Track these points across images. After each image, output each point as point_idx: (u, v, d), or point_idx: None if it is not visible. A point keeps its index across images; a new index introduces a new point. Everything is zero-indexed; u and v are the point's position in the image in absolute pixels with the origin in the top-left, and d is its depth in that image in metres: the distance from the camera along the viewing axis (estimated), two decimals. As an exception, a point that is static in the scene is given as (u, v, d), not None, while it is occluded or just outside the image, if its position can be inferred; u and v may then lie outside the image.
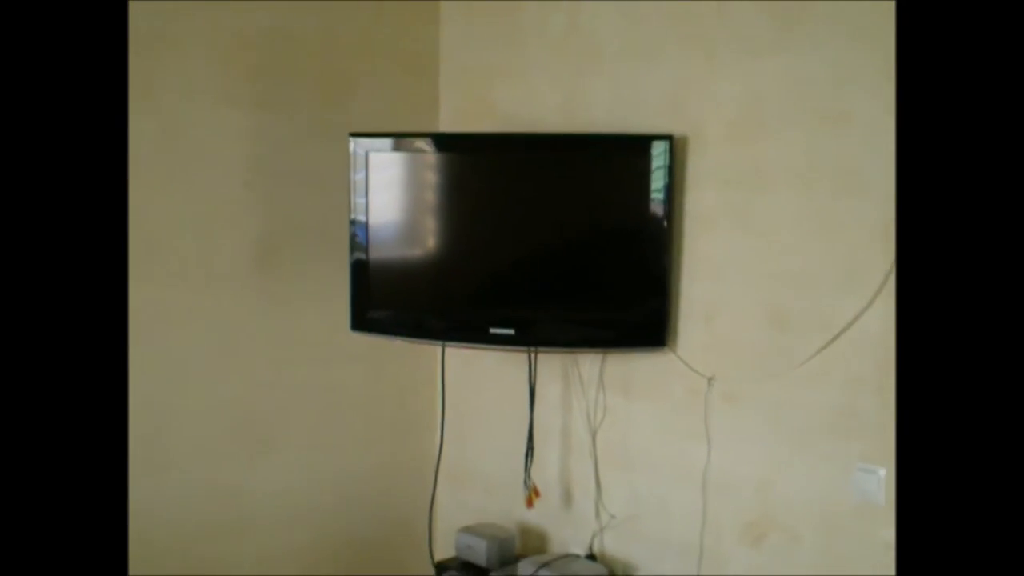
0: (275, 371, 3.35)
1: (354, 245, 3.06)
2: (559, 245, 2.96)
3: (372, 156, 3.02)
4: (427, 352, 3.67)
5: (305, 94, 3.31)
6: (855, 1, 2.44)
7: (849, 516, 2.51)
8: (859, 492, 2.48)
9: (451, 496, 3.56)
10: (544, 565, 2.98)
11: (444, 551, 3.41)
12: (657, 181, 2.80)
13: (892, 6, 2.29)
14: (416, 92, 3.58)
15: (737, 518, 2.78)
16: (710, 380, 2.80)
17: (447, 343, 3.21)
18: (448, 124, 3.56)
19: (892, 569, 2.37)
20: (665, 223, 2.80)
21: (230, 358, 3.25)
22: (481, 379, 3.47)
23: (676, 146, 2.81)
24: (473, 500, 3.53)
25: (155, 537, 3.15)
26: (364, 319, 3.06)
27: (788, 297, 2.62)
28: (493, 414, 3.45)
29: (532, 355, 3.16)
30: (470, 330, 3.00)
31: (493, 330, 2.93)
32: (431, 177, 3.06)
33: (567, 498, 3.24)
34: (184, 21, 3.04)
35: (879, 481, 2.43)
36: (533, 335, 2.96)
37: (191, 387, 3.19)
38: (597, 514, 3.12)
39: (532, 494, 3.21)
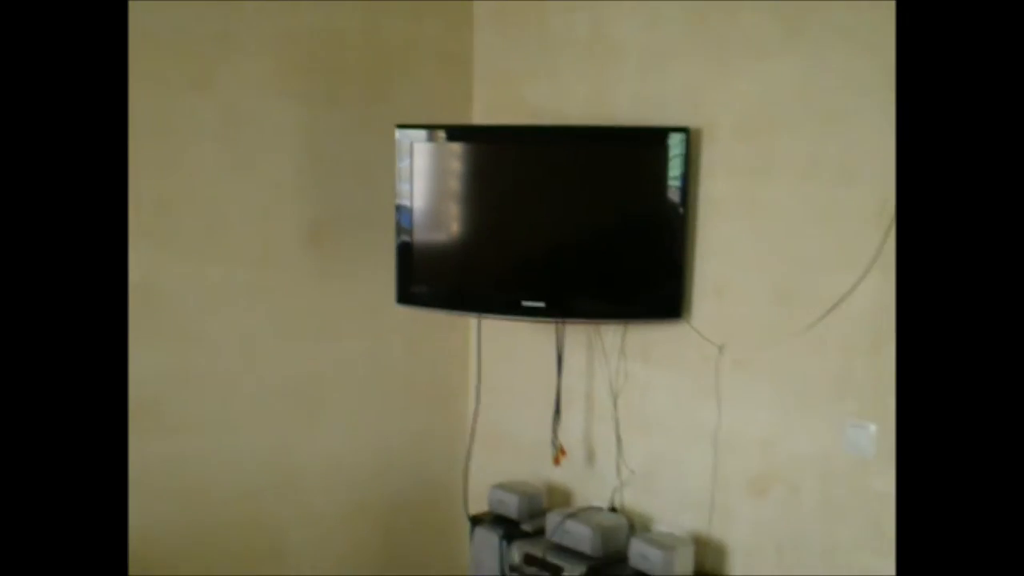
0: (325, 343, 3.68)
1: (399, 226, 3.37)
2: (585, 227, 3.27)
3: (416, 146, 3.33)
4: (460, 326, 4.00)
5: (351, 89, 3.63)
6: (856, 12, 2.73)
7: (843, 468, 2.82)
8: (852, 447, 2.78)
9: (484, 457, 3.88)
10: (570, 516, 3.29)
11: (477, 507, 3.73)
12: (674, 170, 3.10)
13: (890, 17, 2.60)
14: (451, 88, 3.90)
15: (744, 473, 3.09)
16: (721, 348, 3.11)
17: (483, 315, 3.52)
18: (481, 118, 3.88)
19: (882, 515, 2.69)
20: (681, 208, 3.11)
21: (286, 331, 3.58)
22: (512, 350, 3.80)
23: (692, 138, 3.11)
24: (504, 461, 3.86)
25: (220, 493, 3.49)
26: (408, 293, 3.38)
27: (790, 274, 2.92)
28: (523, 381, 3.77)
29: (560, 326, 3.48)
30: (504, 303, 3.30)
31: (525, 303, 3.24)
32: (469, 165, 3.36)
33: (590, 457, 3.56)
34: (243, 21, 3.35)
35: (870, 436, 2.73)
36: (561, 308, 3.27)
37: (253, 357, 3.52)
38: (618, 471, 3.44)
39: (559, 453, 3.54)
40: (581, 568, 3.15)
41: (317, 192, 3.59)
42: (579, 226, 3.27)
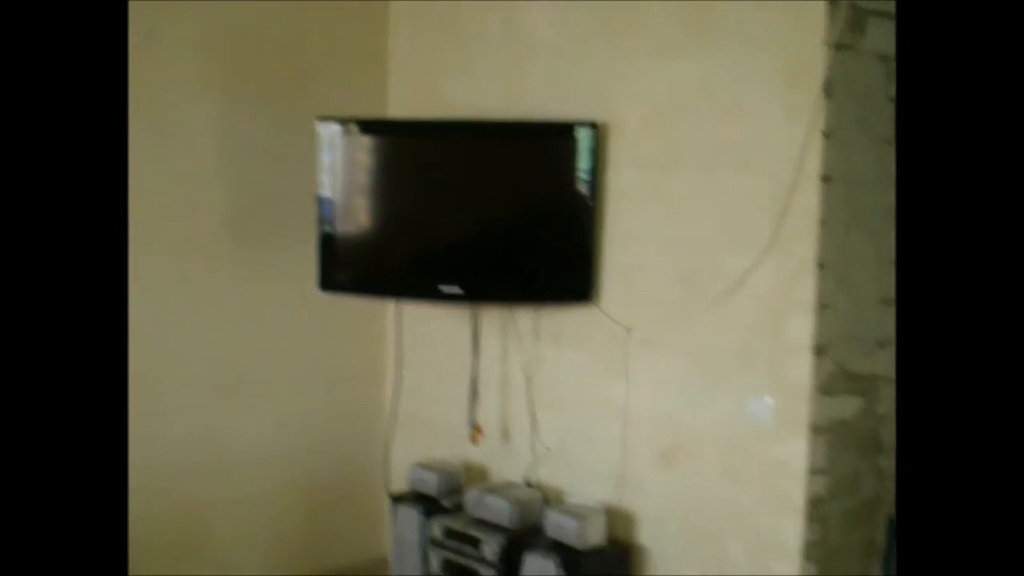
0: (249, 329, 3.79)
1: (321, 216, 3.49)
2: (500, 216, 3.44)
3: (336, 138, 3.46)
4: (377, 313, 4.14)
5: (272, 83, 3.75)
6: (752, 11, 2.94)
7: (745, 438, 3.03)
8: (753, 417, 3.00)
9: (403, 438, 4.02)
10: (488, 491, 3.46)
11: (398, 485, 3.87)
12: (583, 162, 3.29)
13: (785, 16, 2.83)
14: (369, 83, 4.04)
15: (652, 446, 3.29)
16: (629, 329, 3.31)
17: (403, 299, 3.67)
18: (397, 112, 4.02)
19: (781, 480, 2.92)
20: (590, 197, 3.30)
21: (211, 318, 3.68)
22: (430, 335, 3.94)
23: (600, 132, 3.30)
24: (422, 441, 4.00)
25: (148, 477, 3.57)
26: (331, 280, 3.50)
27: (693, 258, 3.13)
28: (440, 365, 3.92)
29: (476, 311, 3.64)
30: (423, 288, 3.46)
31: (443, 288, 3.40)
32: (387, 157, 3.51)
33: (505, 436, 3.73)
34: (165, 17, 3.45)
35: (768, 407, 2.95)
36: (478, 293, 3.44)
37: (179, 344, 3.61)
38: (533, 449, 3.61)
39: (476, 432, 3.70)
40: (500, 539, 3.31)
41: (239, 184, 3.70)
42: (494, 215, 3.44)
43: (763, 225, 2.93)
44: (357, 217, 3.53)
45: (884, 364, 3.10)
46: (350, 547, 4.22)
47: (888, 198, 3.01)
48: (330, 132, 3.47)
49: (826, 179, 2.82)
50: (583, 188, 3.30)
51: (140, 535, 3.54)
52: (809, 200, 2.83)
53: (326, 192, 3.48)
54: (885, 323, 3.07)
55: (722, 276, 3.04)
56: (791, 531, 2.91)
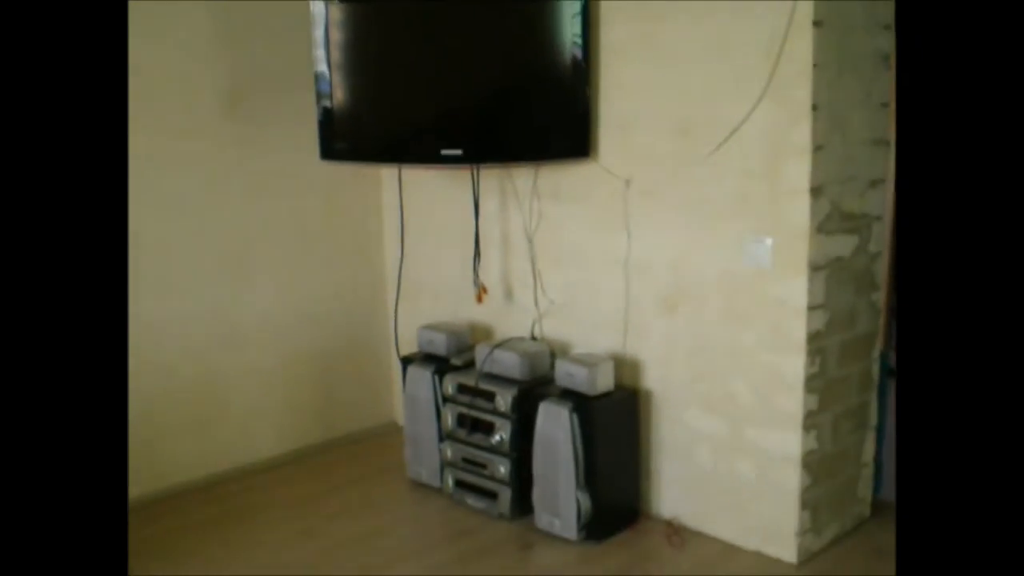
0: (251, 205, 3.86)
1: (319, 84, 3.52)
2: (496, 77, 3.48)
3: (330, 10, 3.47)
4: (374, 184, 4.20)
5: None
6: None
7: (744, 280, 3.15)
8: (752, 259, 3.11)
9: (406, 303, 4.13)
10: (497, 347, 3.58)
11: (405, 350, 3.99)
12: (576, 18, 3.32)
13: None
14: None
15: (655, 293, 3.41)
16: (628, 181, 3.39)
17: (404, 165, 3.73)
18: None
19: (780, 318, 3.05)
20: (584, 53, 3.34)
21: (213, 196, 3.74)
22: (429, 201, 4.02)
23: (591, -13, 3.33)
24: (426, 306, 4.12)
25: (161, 353, 3.68)
26: (331, 150, 3.55)
27: (690, 108, 3.19)
28: (441, 230, 4.01)
29: (475, 174, 3.71)
30: (424, 153, 3.52)
31: (444, 151, 3.46)
32: (383, 26, 3.51)
33: (509, 294, 3.84)
34: None
35: (767, 249, 3.06)
36: (478, 154, 3.49)
37: (182, 222, 3.68)
38: (536, 303, 3.73)
39: (481, 291, 3.81)
40: (513, 391, 3.45)
41: (237, 62, 3.72)
42: (489, 77, 3.48)
43: (757, 72, 2.99)
44: (354, 87, 3.56)
45: (875, 203, 3.21)
46: (360, 413, 4.37)
47: (877, 42, 3.08)
48: (320, 6, 3.47)
49: (818, 24, 2.87)
50: (577, 44, 3.33)
51: (156, 412, 3.68)
52: (802, 45, 2.89)
53: (322, 66, 3.50)
54: (876, 163, 3.17)
55: (718, 124, 3.11)
56: (792, 366, 3.06)
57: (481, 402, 3.54)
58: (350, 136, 3.54)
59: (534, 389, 3.45)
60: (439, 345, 3.80)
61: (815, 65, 2.89)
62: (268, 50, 3.79)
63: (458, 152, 3.45)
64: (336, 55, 3.49)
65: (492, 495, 3.55)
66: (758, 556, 3.24)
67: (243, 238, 3.85)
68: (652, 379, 3.46)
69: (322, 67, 3.50)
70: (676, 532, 3.41)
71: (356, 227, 4.24)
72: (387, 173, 4.19)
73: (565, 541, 3.35)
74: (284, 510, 3.69)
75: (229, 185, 3.77)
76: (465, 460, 3.62)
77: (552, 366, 3.52)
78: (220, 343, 3.84)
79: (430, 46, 3.50)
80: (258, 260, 3.92)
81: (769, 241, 3.05)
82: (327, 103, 3.51)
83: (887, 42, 3.12)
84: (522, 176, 3.68)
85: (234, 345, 3.90)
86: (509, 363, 3.51)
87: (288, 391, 4.12)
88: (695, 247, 3.26)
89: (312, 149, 3.57)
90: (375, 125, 3.57)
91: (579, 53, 3.33)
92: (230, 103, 3.71)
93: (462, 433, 3.61)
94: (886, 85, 3.16)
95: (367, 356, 4.35)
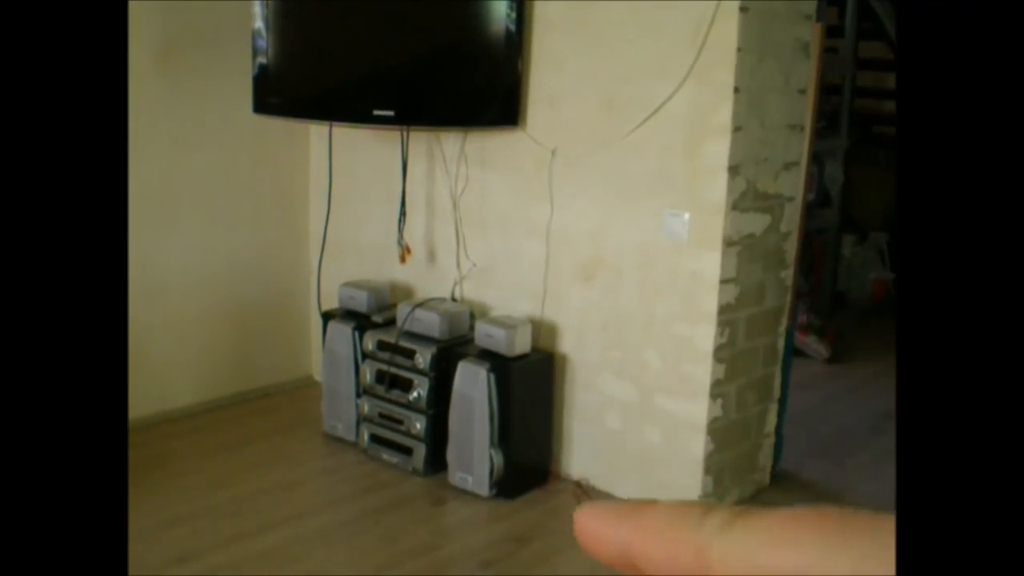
0: (178, 156, 3.88)
1: (255, 43, 3.55)
2: (433, 42, 3.55)
3: (266, -37, 3.50)
4: (303, 140, 4.24)
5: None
6: None
7: (661, 253, 3.28)
8: (669, 233, 3.24)
9: (329, 261, 4.19)
10: (418, 306, 3.67)
11: (327, 305, 4.05)
12: (510, -10, 3.41)
13: None
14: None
15: (574, 262, 3.53)
16: (553, 152, 3.49)
17: (335, 122, 3.78)
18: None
19: (695, 291, 3.18)
20: (517, 26, 3.43)
21: (139, 145, 3.74)
22: (356, 161, 4.07)
23: (527, -40, 3.41)
24: (348, 265, 4.18)
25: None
26: (264, 104, 3.59)
27: (617, 85, 3.31)
28: (366, 190, 4.07)
29: (405, 136, 3.78)
30: (357, 112, 3.58)
31: (376, 112, 3.52)
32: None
33: (432, 256, 3.93)
34: None
35: (684, 223, 3.20)
36: (410, 116, 3.57)
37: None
38: (458, 266, 3.82)
39: (405, 252, 3.89)
40: (432, 349, 3.55)
41: (167, 13, 3.72)
42: (426, 42, 3.55)
43: (683, 54, 3.11)
44: (291, 43, 3.60)
45: (789, 185, 3.36)
46: (278, 367, 4.43)
47: (798, 31, 3.22)
48: (260, -44, 3.50)
49: (744, 10, 3.00)
50: (511, 18, 3.42)
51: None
52: (727, 30, 3.01)
53: (259, 22, 3.53)
54: (791, 147, 3.32)
55: (643, 102, 3.23)
56: (703, 337, 3.20)
57: (400, 359, 3.62)
58: (284, 91, 3.58)
59: (453, 348, 3.54)
60: (360, 302, 3.87)
61: (739, 50, 3.02)
62: (203, 5, 3.79)
63: (390, 113, 3.52)
64: (274, 11, 3.52)
65: (407, 451, 3.65)
66: (660, 517, 3.39)
67: (169, 189, 3.87)
68: (568, 345, 3.58)
69: (259, 23, 3.53)
70: (584, 492, 3.48)
71: (283, 183, 4.28)
72: (316, 131, 4.23)
73: (477, 497, 3.47)
74: (199, 460, 3.74)
75: (156, 136, 3.78)
76: (382, 416, 3.71)
77: (472, 327, 3.62)
78: (142, 293, 3.86)
79: (369, 6, 3.55)
80: (183, 212, 3.94)
81: (687, 216, 3.18)
82: (263, 58, 3.54)
83: (807, 31, 3.27)
84: (451, 141, 3.76)
85: (155, 295, 3.92)
86: (429, 322, 3.60)
87: (207, 342, 4.15)
88: (615, 219, 3.38)
89: (243, 104, 3.60)
90: (310, 81, 3.62)
91: (513, 25, 3.41)
92: (163, 56, 3.71)
93: (380, 389, 3.69)
94: (804, 72, 3.30)
95: (287, 311, 4.40)
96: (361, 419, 3.80)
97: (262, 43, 3.53)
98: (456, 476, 3.52)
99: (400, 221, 3.87)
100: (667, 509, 0.31)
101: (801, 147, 3.38)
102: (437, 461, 3.60)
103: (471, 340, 3.57)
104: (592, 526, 0.33)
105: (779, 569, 0.28)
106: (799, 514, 0.29)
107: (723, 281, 3.16)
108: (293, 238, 4.35)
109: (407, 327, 3.66)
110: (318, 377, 4.22)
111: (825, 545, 0.28)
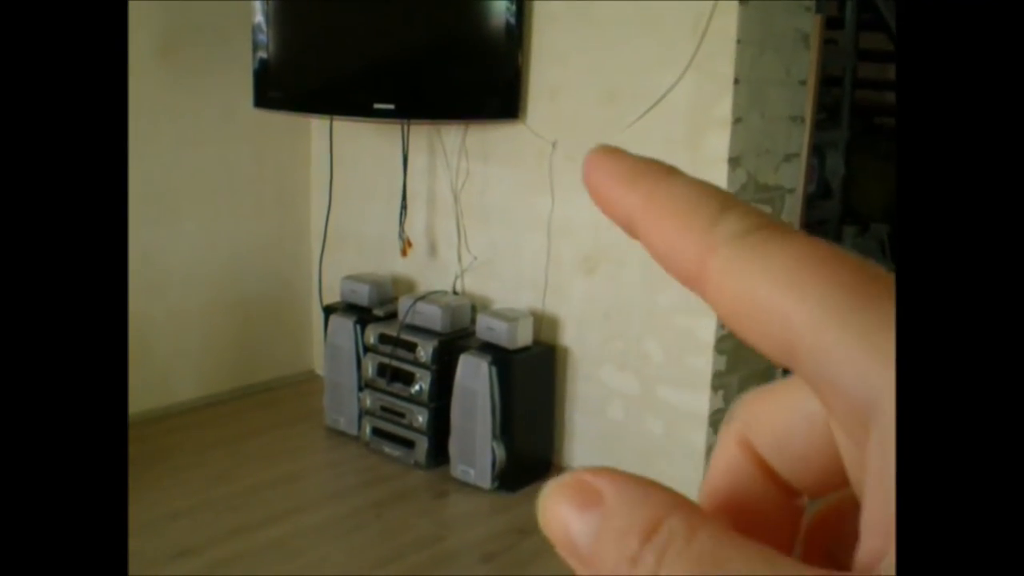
0: (180, 150, 3.88)
1: (256, 37, 3.55)
2: (433, 35, 3.55)
3: (266, -43, 3.50)
4: (304, 134, 4.24)
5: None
6: None
7: (662, 245, 3.27)
8: (670, 225, 3.24)
9: (330, 255, 4.19)
10: (419, 299, 3.67)
11: (329, 299, 4.05)
12: (510, -18, 3.41)
13: None
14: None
15: (575, 254, 3.53)
16: (554, 144, 3.49)
17: (336, 116, 3.78)
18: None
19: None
20: (517, 18, 3.42)
21: (141, 139, 3.74)
22: (357, 154, 4.08)
23: (527, -47, 3.41)
24: (350, 259, 4.18)
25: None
26: (265, 98, 3.59)
27: (617, 77, 3.30)
28: (368, 183, 4.08)
29: (405, 129, 3.78)
30: (356, 105, 3.57)
31: (376, 105, 3.52)
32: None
33: (433, 250, 3.93)
34: None
35: (685, 216, 3.19)
36: (410, 109, 3.56)
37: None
38: (459, 259, 3.82)
39: (406, 245, 3.89)
40: (434, 343, 3.55)
41: (169, 7, 3.72)
42: (426, 35, 3.55)
43: (684, 45, 3.11)
44: (291, 37, 3.60)
45: (789, 176, 3.36)
46: (280, 361, 4.43)
47: (798, 22, 3.22)
48: (260, -50, 3.49)
49: (744, 1, 2.99)
50: (511, 9, 3.42)
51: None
52: (728, 22, 3.01)
53: (259, 16, 3.53)
54: (792, 138, 3.32)
55: (644, 94, 3.23)
56: (704, 328, 3.20)
57: (402, 352, 3.63)
58: (285, 85, 3.58)
59: (455, 341, 3.55)
60: (362, 296, 3.87)
61: (739, 41, 3.01)
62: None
63: (390, 106, 3.52)
64: (274, 5, 3.52)
65: (409, 444, 3.65)
66: (662, 509, 3.39)
67: (170, 184, 3.87)
68: (569, 337, 3.58)
69: (259, 17, 3.52)
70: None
71: (284, 177, 4.28)
72: (317, 125, 4.23)
73: (479, 490, 3.47)
74: (200, 453, 3.74)
75: (157, 131, 3.78)
76: (384, 409, 3.71)
77: (473, 320, 3.62)
78: (143, 287, 3.86)
79: (369, 0, 3.55)
80: (184, 206, 3.94)
81: (687, 208, 3.17)
82: (263, 52, 3.54)
83: (807, 22, 3.26)
84: (451, 134, 3.76)
85: (157, 290, 3.92)
86: (431, 315, 3.60)
87: (209, 336, 4.15)
88: (616, 211, 3.36)
89: (244, 98, 3.60)
90: (310, 75, 3.62)
91: (513, 18, 3.41)
92: (163, 51, 3.72)
93: (382, 382, 3.70)
94: (805, 63, 3.30)
95: (288, 305, 4.40)
96: (363, 412, 3.80)
97: (262, 37, 3.53)
98: (458, 469, 3.52)
99: (401, 214, 3.87)
100: (685, 186, 0.26)
101: (801, 139, 3.38)
102: (439, 454, 3.60)
103: (473, 333, 3.57)
104: (602, 182, 0.29)
105: (772, 310, 0.24)
106: (818, 251, 0.24)
107: (724, 273, 3.15)
108: (294, 232, 4.35)
109: (408, 320, 3.66)
110: (320, 371, 4.23)
111: (828, 304, 0.23)
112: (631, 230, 0.28)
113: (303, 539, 3.15)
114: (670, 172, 0.27)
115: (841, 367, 0.23)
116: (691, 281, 0.26)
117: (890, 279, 0.25)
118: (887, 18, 5.76)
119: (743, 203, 0.26)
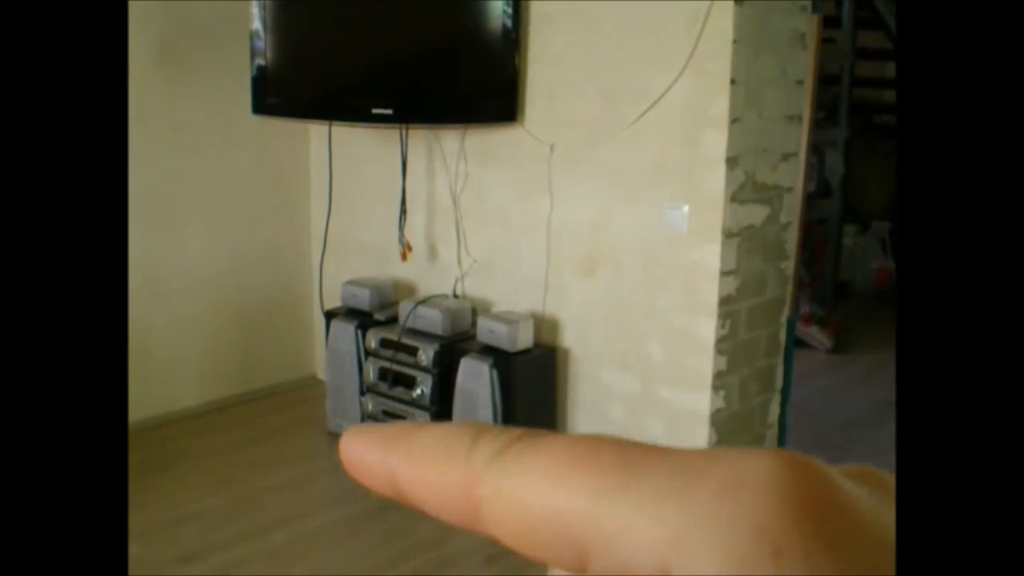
0: (180, 156, 3.89)
1: (254, 43, 3.56)
2: (430, 39, 3.56)
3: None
4: (303, 139, 4.25)
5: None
6: None
7: (662, 245, 3.29)
8: (669, 226, 3.25)
9: (330, 260, 4.19)
10: (420, 303, 3.68)
11: (329, 304, 4.06)
12: (506, -15, 3.42)
13: None
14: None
15: (575, 256, 3.53)
16: (552, 146, 3.50)
17: (335, 121, 3.79)
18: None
19: (694, 282, 3.19)
20: (514, 20, 3.43)
21: (140, 146, 3.74)
22: (356, 159, 4.08)
23: (523, -44, 3.42)
24: (350, 263, 4.19)
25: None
26: (264, 104, 3.60)
27: (614, 78, 3.31)
28: (367, 188, 4.08)
29: (404, 132, 3.78)
30: (355, 110, 3.58)
31: (375, 110, 3.53)
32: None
33: (433, 254, 3.94)
34: None
35: (684, 215, 3.20)
36: (408, 114, 3.57)
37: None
38: (459, 262, 3.83)
39: (406, 249, 3.89)
40: (435, 346, 3.55)
41: (168, 14, 3.73)
42: (423, 39, 3.56)
43: (680, 46, 3.12)
44: (288, 43, 3.61)
45: (787, 175, 3.36)
46: (281, 366, 4.44)
47: (794, 22, 3.22)
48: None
49: (739, 2, 3.00)
50: (508, 12, 3.42)
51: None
52: (724, 22, 3.02)
53: (257, 23, 3.54)
54: (789, 137, 3.33)
55: (641, 95, 3.24)
56: (705, 328, 3.21)
57: (403, 356, 3.63)
58: (283, 92, 3.59)
59: (456, 345, 3.55)
60: (363, 300, 3.88)
61: (735, 41, 3.02)
62: (203, 5, 3.80)
63: (388, 111, 3.52)
64: (271, 11, 3.53)
65: (411, 447, 3.65)
66: (665, 509, 3.39)
67: (171, 189, 3.88)
68: (570, 338, 3.59)
69: (257, 23, 3.53)
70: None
71: (283, 182, 4.29)
72: (316, 130, 4.23)
73: (482, 492, 3.47)
74: (204, 459, 3.75)
75: (158, 137, 3.79)
76: (386, 413, 3.72)
77: (474, 323, 3.63)
78: (144, 294, 3.86)
79: (365, 5, 3.56)
80: (185, 212, 3.95)
81: (686, 208, 3.19)
82: (261, 59, 3.55)
83: (803, 22, 3.27)
84: (449, 138, 3.77)
85: (158, 296, 3.93)
86: (432, 319, 3.61)
87: (211, 343, 4.16)
88: (615, 212, 3.38)
89: (243, 104, 3.60)
90: (308, 81, 3.63)
91: (509, 20, 3.42)
92: (163, 57, 3.72)
93: (384, 386, 3.70)
94: (801, 63, 3.31)
95: (290, 310, 4.41)
96: (365, 417, 3.80)
97: (260, 44, 3.54)
98: (461, 472, 3.52)
99: (401, 219, 3.88)
100: (438, 432, 0.27)
101: (799, 138, 3.39)
102: (442, 457, 3.60)
103: (473, 336, 3.57)
104: (358, 453, 0.28)
105: (549, 514, 0.24)
106: (575, 445, 0.24)
107: (723, 272, 3.16)
108: (295, 237, 4.36)
109: (409, 324, 3.66)
110: (322, 376, 4.23)
111: (597, 488, 0.23)
112: (396, 493, 0.27)
113: (307, 544, 3.15)
114: (420, 427, 0.27)
115: (627, 550, 0.23)
116: (469, 518, 0.26)
117: (651, 447, 0.24)
118: (885, 16, 5.78)
119: (494, 427, 0.26)
